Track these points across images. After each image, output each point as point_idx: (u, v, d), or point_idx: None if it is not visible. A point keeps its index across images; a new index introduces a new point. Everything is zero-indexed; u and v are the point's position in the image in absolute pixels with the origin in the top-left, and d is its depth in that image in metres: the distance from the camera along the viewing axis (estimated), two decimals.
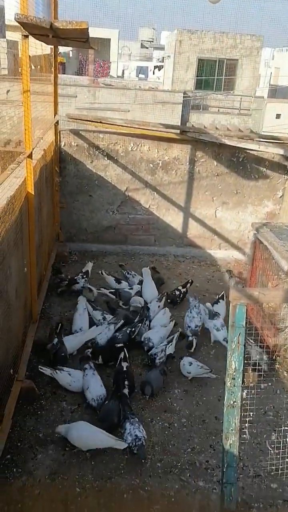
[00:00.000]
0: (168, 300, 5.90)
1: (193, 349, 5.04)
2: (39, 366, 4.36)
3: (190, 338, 5.10)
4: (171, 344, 4.85)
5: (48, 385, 4.36)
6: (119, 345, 4.76)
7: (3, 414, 3.73)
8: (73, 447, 3.70)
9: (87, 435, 3.69)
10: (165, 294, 5.91)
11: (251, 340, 4.56)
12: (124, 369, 4.39)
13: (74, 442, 3.68)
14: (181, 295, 6.02)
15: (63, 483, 3.44)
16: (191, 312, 5.30)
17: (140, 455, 3.64)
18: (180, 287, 6.13)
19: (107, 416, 3.91)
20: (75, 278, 6.06)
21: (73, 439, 3.68)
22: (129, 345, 4.89)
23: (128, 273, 6.43)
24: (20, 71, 4.13)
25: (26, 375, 4.32)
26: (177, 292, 6.01)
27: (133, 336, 5.02)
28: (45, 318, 5.41)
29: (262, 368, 4.36)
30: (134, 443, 3.62)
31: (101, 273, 6.26)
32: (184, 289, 6.09)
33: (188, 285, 6.22)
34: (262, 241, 5.32)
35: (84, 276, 6.14)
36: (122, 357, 4.55)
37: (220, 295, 5.85)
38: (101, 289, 5.97)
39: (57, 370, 4.33)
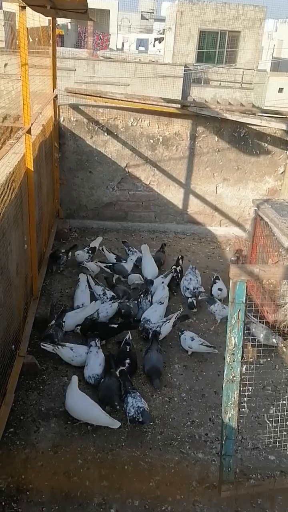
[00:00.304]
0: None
1: (195, 308, 5.35)
2: (41, 343, 4.41)
3: (190, 300, 5.39)
4: (168, 322, 4.84)
5: (50, 361, 4.41)
6: (113, 325, 4.79)
7: (6, 388, 3.79)
8: (75, 420, 3.77)
9: (83, 407, 3.76)
10: (172, 270, 5.88)
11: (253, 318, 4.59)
12: (127, 350, 4.42)
13: (69, 410, 3.77)
14: (179, 274, 5.89)
15: (66, 455, 3.52)
16: (187, 275, 5.65)
17: (145, 420, 3.71)
18: (173, 267, 5.94)
19: (107, 393, 3.95)
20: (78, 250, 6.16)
21: (68, 407, 3.77)
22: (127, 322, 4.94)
23: (129, 250, 6.44)
24: (17, 44, 4.04)
25: (28, 351, 4.37)
26: (175, 275, 5.83)
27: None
28: (46, 294, 5.44)
29: (275, 345, 4.56)
30: (137, 413, 3.68)
31: (102, 249, 6.26)
32: (179, 267, 5.98)
33: (180, 261, 6.10)
34: (263, 217, 5.30)
35: (89, 252, 6.16)
36: (127, 338, 4.58)
37: (215, 276, 5.85)
38: (98, 262, 6.00)
39: (58, 346, 4.37)
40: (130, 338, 4.61)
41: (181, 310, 5.11)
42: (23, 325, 4.55)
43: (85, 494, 3.24)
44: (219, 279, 5.74)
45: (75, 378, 3.88)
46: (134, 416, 3.69)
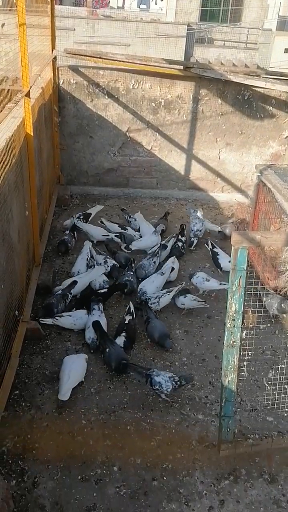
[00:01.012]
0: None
1: (193, 246, 5.96)
2: (40, 319, 4.42)
3: (192, 239, 5.98)
4: (168, 294, 4.82)
5: (53, 326, 4.47)
6: (102, 291, 4.80)
7: (11, 353, 3.87)
8: (79, 383, 3.87)
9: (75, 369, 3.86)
10: (174, 235, 5.89)
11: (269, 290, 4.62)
12: (126, 322, 4.42)
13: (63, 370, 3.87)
14: (184, 244, 5.86)
15: (70, 416, 3.63)
16: (193, 219, 6.18)
17: (188, 380, 3.85)
18: (178, 237, 5.91)
19: (117, 363, 3.98)
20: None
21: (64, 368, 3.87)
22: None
23: (130, 217, 6.41)
24: (15, 2, 3.89)
25: (31, 317, 4.43)
26: (180, 244, 5.82)
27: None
28: (48, 261, 5.47)
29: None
30: (175, 382, 3.74)
31: (101, 222, 6.16)
32: (184, 237, 5.97)
33: (185, 231, 6.09)
34: (266, 183, 5.24)
35: (81, 217, 6.13)
36: (128, 309, 4.58)
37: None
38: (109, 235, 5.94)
39: (57, 317, 4.42)
40: (132, 308, 4.56)
41: (183, 284, 5.07)
42: (26, 291, 4.59)
43: (89, 453, 3.36)
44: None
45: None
46: (177, 385, 3.76)
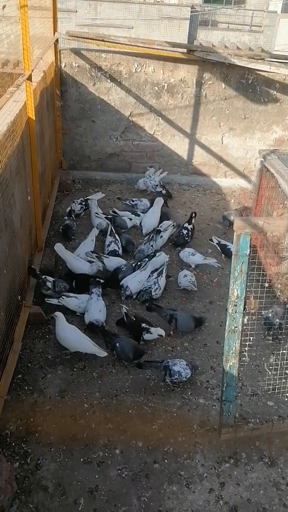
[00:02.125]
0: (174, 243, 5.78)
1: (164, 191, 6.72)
2: (45, 299, 4.47)
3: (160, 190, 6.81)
4: (161, 276, 4.84)
5: (56, 311, 4.49)
6: (98, 279, 4.75)
7: (13, 337, 3.89)
8: (81, 367, 3.90)
9: (74, 338, 4.00)
10: (174, 224, 5.87)
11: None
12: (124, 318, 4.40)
13: (61, 340, 4.02)
14: (190, 233, 5.79)
15: (72, 400, 3.67)
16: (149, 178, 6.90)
17: (195, 368, 3.92)
18: (186, 224, 5.84)
19: (129, 352, 4.00)
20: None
21: (60, 338, 4.02)
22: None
23: (132, 201, 6.36)
24: None
25: (34, 302, 4.45)
26: (185, 232, 5.76)
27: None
28: (50, 246, 5.46)
29: None
30: (192, 367, 3.86)
31: (113, 212, 6.06)
32: (191, 225, 5.85)
33: (193, 220, 5.94)
34: (269, 169, 5.20)
35: (83, 203, 6.14)
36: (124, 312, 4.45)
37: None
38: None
39: (63, 297, 4.45)
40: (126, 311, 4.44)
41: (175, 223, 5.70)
42: (29, 276, 4.60)
43: (91, 436, 3.41)
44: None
45: (60, 314, 4.10)
46: (194, 371, 3.88)
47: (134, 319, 4.34)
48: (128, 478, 3.17)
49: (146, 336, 4.20)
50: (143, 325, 4.24)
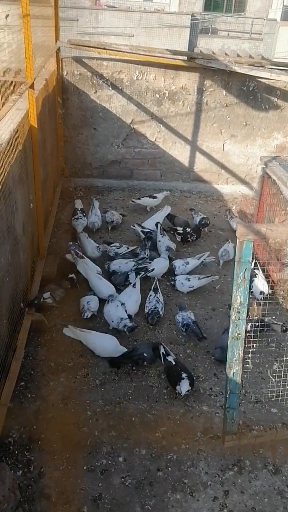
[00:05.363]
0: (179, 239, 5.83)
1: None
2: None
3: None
4: (158, 292, 4.76)
5: (58, 318, 4.50)
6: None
7: (16, 344, 3.89)
8: (84, 375, 3.89)
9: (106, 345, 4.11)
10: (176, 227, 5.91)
11: None
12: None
13: (91, 347, 4.14)
14: (193, 236, 5.79)
15: (75, 407, 3.65)
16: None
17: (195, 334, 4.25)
18: (177, 230, 5.88)
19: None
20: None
21: (94, 347, 4.13)
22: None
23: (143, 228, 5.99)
24: None
25: (36, 309, 4.45)
26: (188, 235, 5.80)
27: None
28: (53, 253, 5.46)
29: None
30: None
31: (133, 226, 5.97)
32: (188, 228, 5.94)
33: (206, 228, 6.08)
34: (271, 175, 5.22)
35: (80, 212, 6.10)
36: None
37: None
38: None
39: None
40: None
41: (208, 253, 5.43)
42: (31, 283, 4.60)
43: (94, 443, 3.39)
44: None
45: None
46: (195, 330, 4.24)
47: (174, 363, 3.91)
48: (132, 486, 3.15)
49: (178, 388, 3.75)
50: (183, 374, 3.76)
